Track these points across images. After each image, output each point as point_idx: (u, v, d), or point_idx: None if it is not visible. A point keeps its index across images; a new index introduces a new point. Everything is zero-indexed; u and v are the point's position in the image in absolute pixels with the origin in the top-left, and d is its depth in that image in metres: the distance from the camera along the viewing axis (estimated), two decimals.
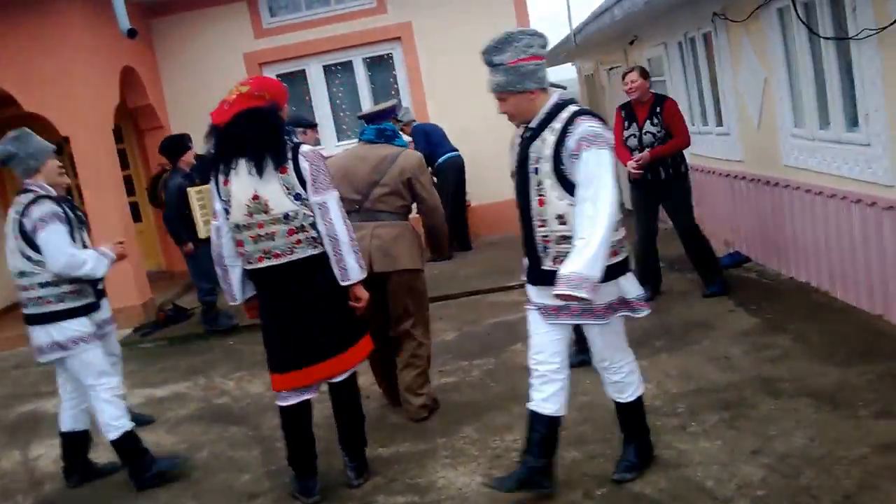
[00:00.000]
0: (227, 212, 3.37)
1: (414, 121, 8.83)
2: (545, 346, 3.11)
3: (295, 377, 3.41)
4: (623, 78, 5.87)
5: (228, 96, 3.36)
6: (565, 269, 2.72)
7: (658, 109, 5.70)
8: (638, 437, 3.33)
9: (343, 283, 3.37)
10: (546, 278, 2.91)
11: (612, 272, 2.90)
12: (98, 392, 3.92)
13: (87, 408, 4.09)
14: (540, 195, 2.92)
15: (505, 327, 5.73)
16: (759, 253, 6.65)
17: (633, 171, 5.65)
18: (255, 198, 3.27)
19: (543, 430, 3.14)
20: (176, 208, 6.92)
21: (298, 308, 3.37)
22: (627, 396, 3.25)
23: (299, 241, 3.29)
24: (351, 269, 3.34)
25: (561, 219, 2.90)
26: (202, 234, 6.65)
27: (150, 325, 7.60)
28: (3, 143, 3.92)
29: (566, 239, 2.85)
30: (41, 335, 3.89)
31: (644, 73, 5.79)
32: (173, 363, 6.47)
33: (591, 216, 2.73)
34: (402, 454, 3.97)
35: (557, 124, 2.87)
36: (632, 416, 3.29)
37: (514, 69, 2.89)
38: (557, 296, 2.75)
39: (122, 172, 8.57)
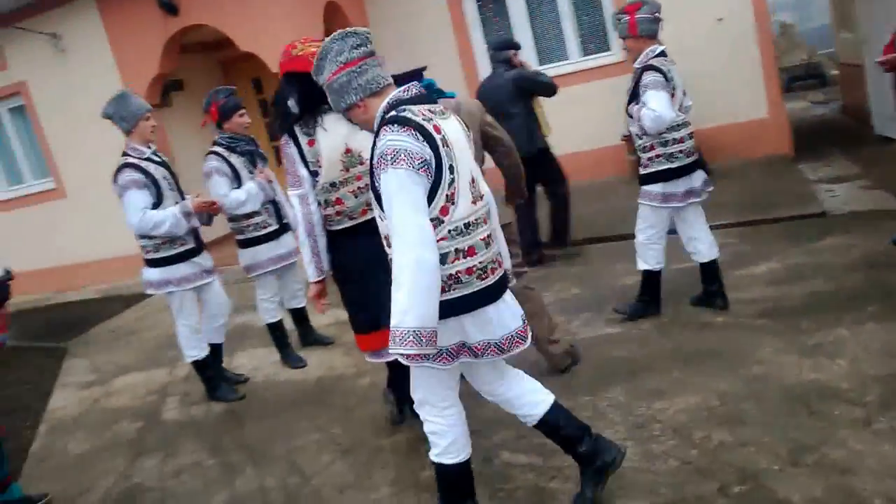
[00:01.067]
0: (315, 174, 3.29)
1: None
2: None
3: (376, 338, 3.40)
4: None
5: (306, 49, 3.23)
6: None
7: None
8: None
9: None
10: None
11: (446, 310, 2.45)
12: None
13: None
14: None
15: (692, 274, 5.18)
16: None
17: None
18: (348, 151, 3.25)
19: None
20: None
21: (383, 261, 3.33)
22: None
23: None
24: None
25: (387, 240, 2.54)
26: None
27: None
28: (106, 104, 4.48)
29: None
30: None
31: None
32: None
33: (394, 253, 2.37)
34: None
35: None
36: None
37: (330, 87, 2.55)
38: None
39: None
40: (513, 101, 5.93)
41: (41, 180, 9.90)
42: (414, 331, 2.33)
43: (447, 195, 2.42)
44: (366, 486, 3.42)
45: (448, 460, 2.76)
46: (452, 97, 4.01)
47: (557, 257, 6.34)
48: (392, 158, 2.34)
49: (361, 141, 3.23)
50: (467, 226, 2.48)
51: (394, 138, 2.36)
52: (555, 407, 2.83)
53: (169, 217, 4.38)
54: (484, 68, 9.52)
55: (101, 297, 8.94)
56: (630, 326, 4.61)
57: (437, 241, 2.40)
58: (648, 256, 4.58)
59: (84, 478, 4.21)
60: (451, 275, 2.45)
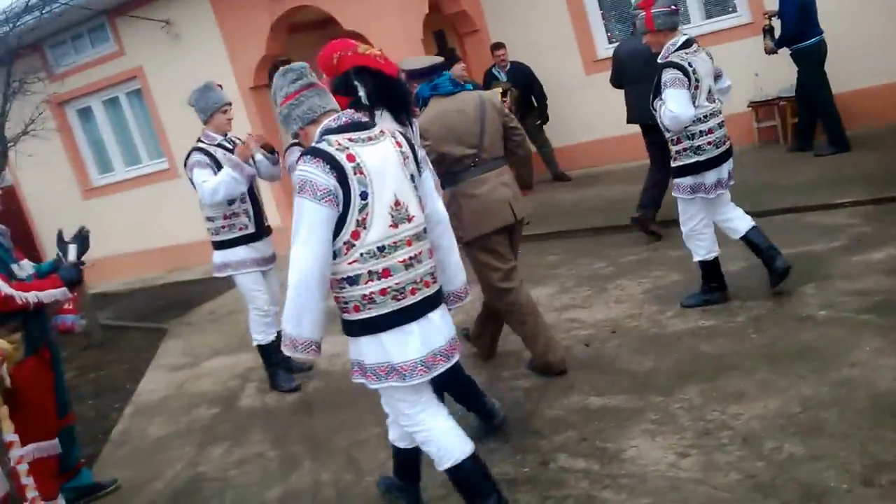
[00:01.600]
0: None
1: None
2: None
3: None
4: None
5: (370, 49, 3.36)
6: None
7: None
8: None
9: None
10: None
11: (361, 328, 2.72)
12: None
13: None
14: None
15: (805, 260, 4.87)
16: None
17: None
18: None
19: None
20: None
21: None
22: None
23: None
24: None
25: None
26: None
27: None
28: (191, 93, 4.83)
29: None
30: None
31: None
32: None
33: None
34: (609, 408, 3.73)
35: None
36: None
37: (280, 115, 2.87)
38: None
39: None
40: (651, 66, 5.85)
41: (156, 161, 10.59)
42: (290, 336, 2.68)
43: (357, 220, 2.61)
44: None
45: (449, 465, 2.84)
46: (470, 89, 4.10)
47: (662, 236, 6.14)
48: (300, 188, 2.60)
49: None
50: (381, 249, 2.65)
51: (303, 169, 2.60)
52: (470, 459, 2.86)
53: (222, 177, 4.63)
54: (599, 36, 9.29)
55: (206, 277, 9.42)
56: (725, 318, 4.40)
57: (350, 263, 2.63)
58: (698, 247, 4.56)
59: (155, 464, 4.48)
60: (364, 295, 2.66)
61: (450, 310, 2.97)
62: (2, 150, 7.93)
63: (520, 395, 4.15)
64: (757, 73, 8.13)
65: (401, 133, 2.90)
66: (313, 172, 2.58)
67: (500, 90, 7.83)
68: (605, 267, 5.88)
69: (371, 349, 2.72)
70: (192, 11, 9.21)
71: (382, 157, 2.70)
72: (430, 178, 3.00)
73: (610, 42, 9.22)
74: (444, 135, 3.93)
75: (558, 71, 9.29)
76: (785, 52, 7.42)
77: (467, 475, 2.85)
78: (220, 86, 4.94)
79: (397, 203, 2.69)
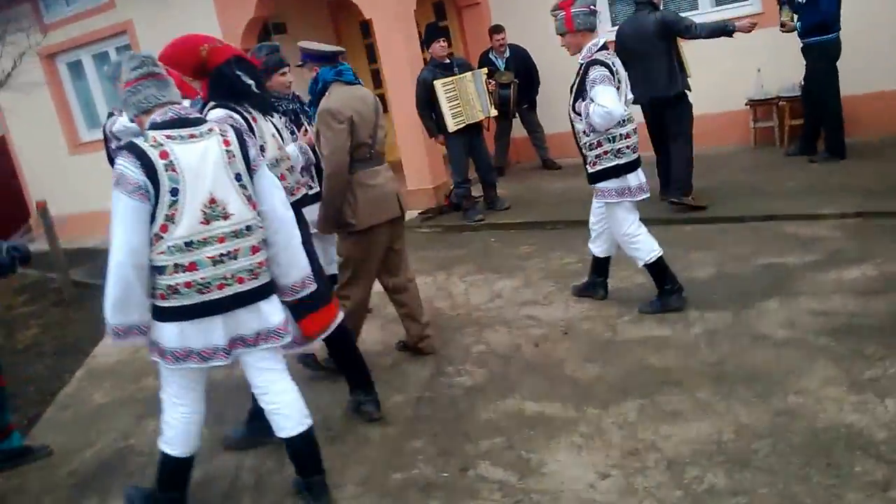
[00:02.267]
0: (262, 149, 3.47)
1: None
2: None
3: (329, 311, 3.66)
4: None
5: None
6: None
7: None
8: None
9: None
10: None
11: (164, 315, 2.84)
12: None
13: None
14: None
15: (774, 273, 4.68)
16: None
17: None
18: (273, 136, 3.64)
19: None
20: (421, 101, 7.17)
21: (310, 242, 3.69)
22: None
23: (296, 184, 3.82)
24: None
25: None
26: (451, 128, 6.99)
27: (434, 209, 7.96)
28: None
29: None
30: None
31: None
32: (433, 253, 6.71)
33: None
34: (543, 416, 3.59)
35: None
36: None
37: (120, 99, 3.02)
38: None
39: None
40: (655, 43, 6.11)
41: None
42: (115, 325, 2.80)
43: (166, 215, 2.72)
44: (332, 482, 3.33)
45: (168, 450, 3.07)
46: (359, 83, 4.16)
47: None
48: (115, 181, 2.72)
49: (274, 133, 3.67)
50: (189, 244, 2.76)
51: (119, 162, 2.73)
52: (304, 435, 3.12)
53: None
54: (603, 18, 8.98)
55: None
56: (680, 329, 4.23)
57: (158, 254, 2.74)
58: (638, 251, 4.47)
59: (90, 431, 4.40)
60: (169, 285, 2.77)
61: (285, 301, 3.13)
62: None
63: (458, 392, 4.02)
64: (759, 68, 7.86)
65: (235, 129, 2.96)
66: (126, 167, 2.70)
67: (484, 72, 7.65)
68: (573, 262, 5.70)
69: (172, 334, 2.83)
70: None
71: (201, 155, 2.79)
72: (264, 176, 3.00)
73: (613, 25, 8.93)
74: (353, 118, 3.94)
75: (559, 54, 8.98)
76: (793, 46, 7.10)
77: (178, 468, 3.13)
78: None
79: (212, 201, 2.79)
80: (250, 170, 2.91)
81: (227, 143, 2.86)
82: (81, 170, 10.30)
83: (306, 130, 4.87)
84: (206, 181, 2.77)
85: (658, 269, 4.46)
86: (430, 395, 4.04)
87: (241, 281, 2.86)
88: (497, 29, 8.64)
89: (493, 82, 7.95)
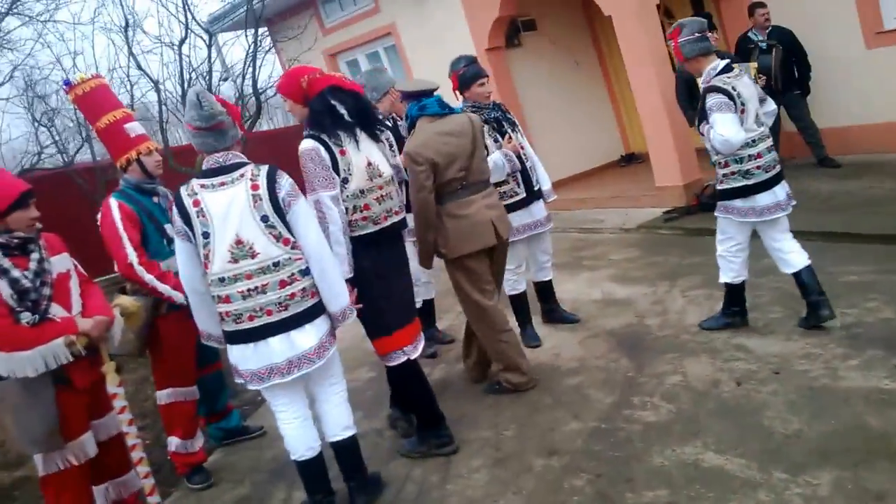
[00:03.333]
0: (346, 181, 3.55)
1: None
2: None
3: (400, 336, 3.69)
4: None
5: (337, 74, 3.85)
6: None
7: None
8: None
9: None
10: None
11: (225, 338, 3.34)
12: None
13: None
14: None
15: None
16: None
17: None
18: (369, 164, 3.64)
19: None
20: (682, 95, 6.88)
21: (401, 266, 3.80)
22: None
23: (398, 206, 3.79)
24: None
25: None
26: None
27: (681, 209, 7.43)
28: (361, 74, 4.97)
29: None
30: None
31: None
32: (664, 259, 6.27)
33: None
34: (722, 472, 3.17)
35: None
36: None
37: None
38: None
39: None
40: None
41: None
42: (200, 329, 3.38)
43: (203, 254, 3.12)
44: None
45: (292, 456, 3.40)
46: (458, 112, 4.17)
47: None
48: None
49: (378, 156, 3.70)
50: (222, 280, 3.11)
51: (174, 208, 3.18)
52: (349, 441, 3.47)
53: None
54: (887, 2, 7.72)
55: None
56: (608, 362, 3.49)
57: (207, 286, 3.19)
58: (727, 269, 4.45)
59: None
60: (219, 312, 3.19)
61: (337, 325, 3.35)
62: (257, 103, 8.73)
63: (637, 428, 3.70)
64: None
65: (269, 172, 3.14)
66: (174, 213, 3.16)
67: (753, 66, 6.96)
68: None
69: (237, 356, 3.24)
70: None
71: (228, 201, 3.08)
72: (299, 213, 3.15)
73: None
74: (434, 158, 3.94)
75: (832, 42, 7.86)
76: None
77: (303, 471, 3.41)
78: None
79: (239, 242, 3.08)
80: (280, 210, 3.10)
81: (255, 187, 3.09)
82: None
83: (510, 138, 4.78)
84: (232, 224, 3.07)
85: (736, 291, 4.50)
86: (607, 428, 3.76)
87: (269, 313, 3.12)
88: (759, 3, 7.78)
89: (764, 77, 7.28)
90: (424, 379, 3.89)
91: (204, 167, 3.17)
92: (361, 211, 3.60)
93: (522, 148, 4.86)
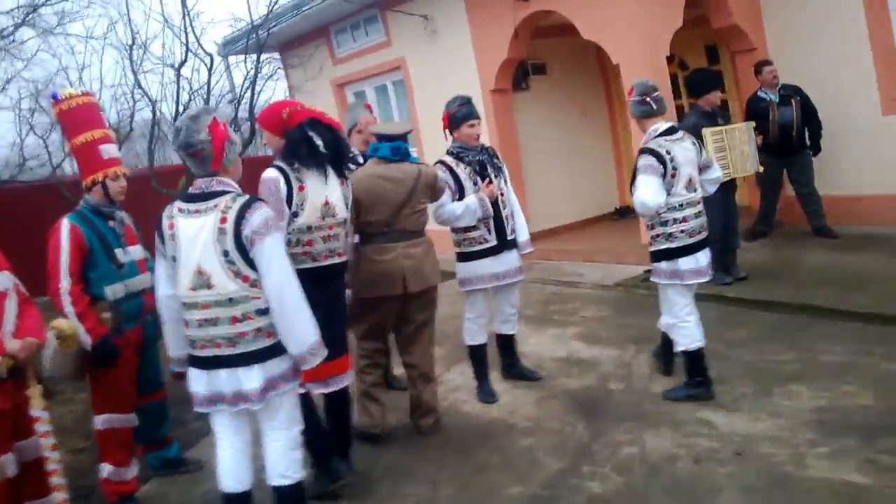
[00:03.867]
0: (295, 215, 3.56)
1: None
2: None
3: (334, 365, 3.61)
4: None
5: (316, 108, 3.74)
6: None
7: None
8: None
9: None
10: None
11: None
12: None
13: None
14: None
15: None
16: None
17: None
18: (326, 203, 3.64)
19: None
20: None
21: (334, 303, 3.73)
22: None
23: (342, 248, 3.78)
24: None
25: None
26: None
27: None
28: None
29: None
30: None
31: None
32: (635, 321, 5.91)
33: None
34: None
35: None
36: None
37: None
38: None
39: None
40: None
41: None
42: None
43: (170, 275, 3.16)
44: None
45: (220, 486, 3.26)
46: (412, 161, 4.20)
47: None
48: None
49: (337, 197, 3.69)
50: (184, 304, 3.11)
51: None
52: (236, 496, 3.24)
53: (454, 210, 4.54)
54: None
55: None
56: (890, 481, 3.22)
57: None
58: (681, 336, 4.35)
59: None
60: (185, 334, 3.18)
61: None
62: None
63: (580, 500, 3.46)
64: None
65: (241, 208, 3.02)
66: (156, 229, 3.15)
67: (752, 125, 6.85)
68: (789, 362, 4.70)
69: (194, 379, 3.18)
70: (448, 7, 9.21)
71: (197, 229, 3.04)
72: (262, 252, 3.03)
73: None
74: (364, 200, 4.04)
75: (845, 106, 7.61)
76: None
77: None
78: None
79: (199, 271, 3.03)
80: (242, 247, 3.01)
81: (223, 220, 3.02)
82: None
83: (490, 182, 4.61)
84: (195, 252, 3.03)
85: (695, 359, 4.34)
86: (549, 495, 3.52)
87: (218, 346, 3.06)
88: (766, 62, 7.58)
89: (762, 136, 7.11)
90: (347, 414, 3.91)
91: (189, 191, 3.16)
92: (304, 245, 3.60)
93: (502, 195, 4.71)
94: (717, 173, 4.51)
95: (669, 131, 4.32)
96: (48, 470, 3.36)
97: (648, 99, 4.36)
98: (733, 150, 6.50)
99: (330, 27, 11.10)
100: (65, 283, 3.67)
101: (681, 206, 4.25)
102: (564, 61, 9.72)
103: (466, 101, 4.67)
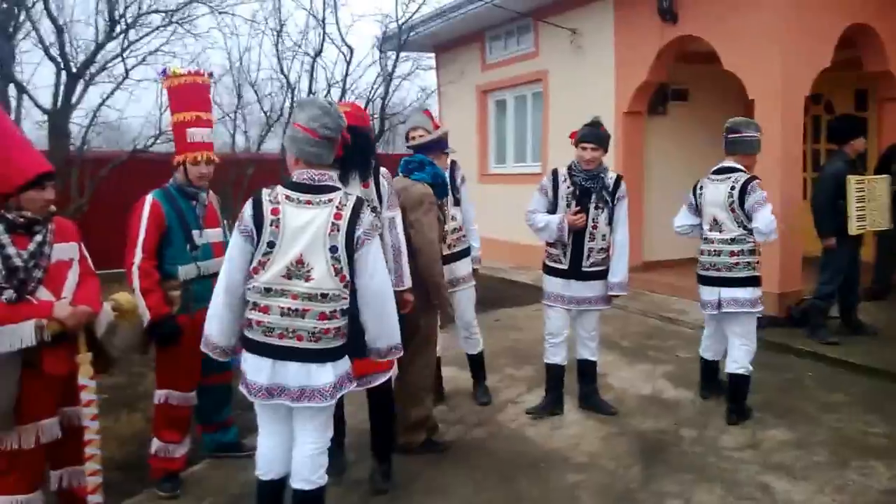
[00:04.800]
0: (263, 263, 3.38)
1: None
2: None
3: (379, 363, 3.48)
4: None
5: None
6: None
7: None
8: None
9: (397, 289, 3.55)
10: None
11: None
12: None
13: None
14: None
15: None
16: None
17: None
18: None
19: None
20: (826, 195, 6.12)
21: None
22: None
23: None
24: (406, 277, 3.81)
25: None
26: (852, 231, 5.98)
27: (769, 318, 6.68)
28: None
29: None
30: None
31: None
32: None
33: None
34: None
35: None
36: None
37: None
38: None
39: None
40: None
41: (534, 163, 10.69)
42: (204, 335, 3.11)
43: (259, 261, 2.97)
44: None
45: (256, 472, 3.18)
46: (422, 179, 4.14)
47: None
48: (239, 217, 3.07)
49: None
50: (268, 290, 2.96)
51: (246, 204, 3.04)
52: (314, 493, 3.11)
53: (537, 221, 4.64)
54: None
55: (530, 282, 8.99)
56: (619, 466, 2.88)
57: (247, 289, 3.01)
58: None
59: None
60: (248, 319, 2.99)
61: (378, 361, 3.27)
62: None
63: None
64: None
65: (356, 205, 2.96)
66: (246, 209, 2.97)
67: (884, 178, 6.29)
68: (878, 435, 4.31)
69: (245, 362, 3.05)
70: (597, 23, 9.04)
71: (307, 221, 2.93)
72: (367, 255, 2.98)
73: None
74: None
75: None
76: None
77: (261, 491, 3.18)
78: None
79: (300, 262, 2.92)
80: (351, 246, 2.94)
81: (338, 216, 2.94)
82: (484, 196, 10.96)
83: (578, 211, 4.57)
84: (301, 243, 2.92)
85: (703, 365, 5.07)
86: None
87: (299, 339, 2.95)
88: None
89: None
90: (390, 410, 3.91)
91: (294, 179, 3.01)
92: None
93: (595, 227, 4.57)
94: (757, 224, 4.47)
95: (720, 171, 4.63)
96: (85, 440, 3.31)
97: (726, 136, 4.64)
98: (872, 202, 6.02)
99: (485, 32, 11.23)
100: (137, 258, 3.66)
101: (705, 240, 4.71)
102: (707, 90, 9.23)
103: (591, 124, 4.57)
